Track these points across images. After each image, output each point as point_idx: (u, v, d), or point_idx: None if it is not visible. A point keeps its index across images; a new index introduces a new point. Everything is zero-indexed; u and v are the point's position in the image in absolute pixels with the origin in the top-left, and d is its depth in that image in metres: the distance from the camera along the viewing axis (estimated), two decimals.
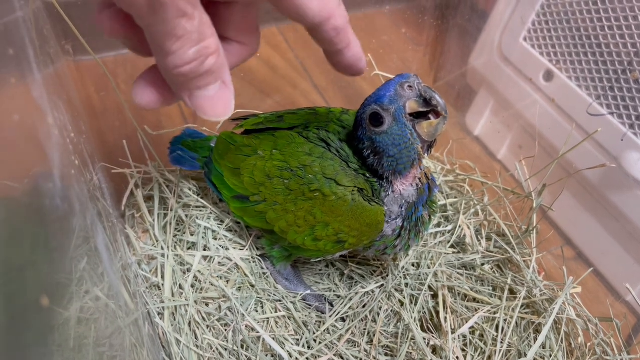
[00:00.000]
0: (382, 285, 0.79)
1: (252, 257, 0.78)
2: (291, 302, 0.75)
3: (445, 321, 0.71)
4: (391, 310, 0.76)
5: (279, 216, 0.66)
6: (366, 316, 0.75)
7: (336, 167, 0.63)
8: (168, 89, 0.43)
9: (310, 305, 0.77)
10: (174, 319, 0.70)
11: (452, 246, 0.86)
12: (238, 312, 0.70)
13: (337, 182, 0.62)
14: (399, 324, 0.74)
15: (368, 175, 0.64)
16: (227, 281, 0.75)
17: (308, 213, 0.64)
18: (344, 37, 0.48)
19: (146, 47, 0.40)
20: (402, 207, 0.64)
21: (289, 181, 0.64)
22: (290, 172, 0.64)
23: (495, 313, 0.73)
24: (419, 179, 0.63)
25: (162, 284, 0.73)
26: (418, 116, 0.58)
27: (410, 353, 0.70)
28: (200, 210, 0.80)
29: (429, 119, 0.58)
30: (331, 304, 0.77)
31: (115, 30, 0.41)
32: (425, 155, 0.61)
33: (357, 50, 0.50)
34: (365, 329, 0.74)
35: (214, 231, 0.78)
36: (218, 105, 0.42)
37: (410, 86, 0.57)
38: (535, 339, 0.71)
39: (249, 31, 0.48)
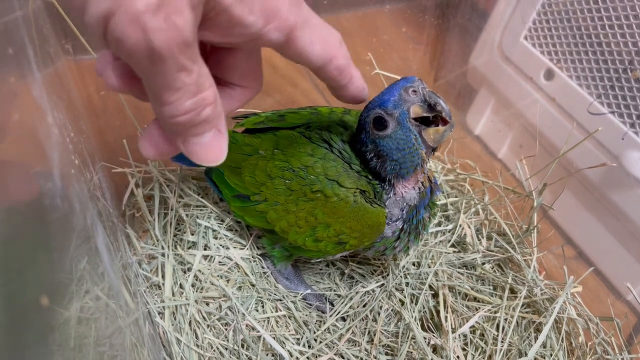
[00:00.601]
0: (383, 284, 0.79)
1: (252, 257, 0.77)
2: (292, 301, 0.75)
3: (446, 320, 0.71)
4: (392, 310, 0.76)
5: (280, 216, 0.66)
6: (367, 315, 0.75)
7: (338, 169, 0.63)
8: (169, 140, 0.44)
9: (310, 304, 0.76)
10: (175, 319, 0.70)
11: (452, 245, 0.86)
12: (238, 312, 0.70)
13: (340, 184, 0.62)
14: (399, 323, 0.74)
15: (370, 177, 0.64)
16: (228, 280, 0.75)
17: (309, 214, 0.64)
18: (346, 74, 0.50)
19: (147, 95, 0.40)
20: (403, 210, 0.64)
21: (291, 181, 0.64)
22: (292, 172, 0.64)
23: (495, 312, 0.73)
24: (422, 182, 0.63)
25: (163, 284, 0.72)
26: (426, 123, 0.58)
27: (411, 352, 0.70)
28: (201, 210, 0.80)
29: (437, 125, 0.58)
30: (332, 303, 0.77)
31: (118, 86, 0.42)
32: (429, 158, 0.61)
33: (359, 82, 0.52)
34: (365, 328, 0.73)
35: (214, 230, 0.78)
36: (211, 152, 0.43)
37: (414, 91, 0.57)
38: (536, 338, 0.71)
39: (252, 75, 0.49)
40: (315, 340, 0.72)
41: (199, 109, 0.39)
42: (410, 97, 0.57)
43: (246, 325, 0.69)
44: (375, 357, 0.70)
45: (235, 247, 0.78)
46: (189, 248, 0.77)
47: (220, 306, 0.72)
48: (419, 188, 0.63)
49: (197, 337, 0.69)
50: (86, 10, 0.32)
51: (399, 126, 0.58)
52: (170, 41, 0.33)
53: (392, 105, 0.57)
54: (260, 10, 0.39)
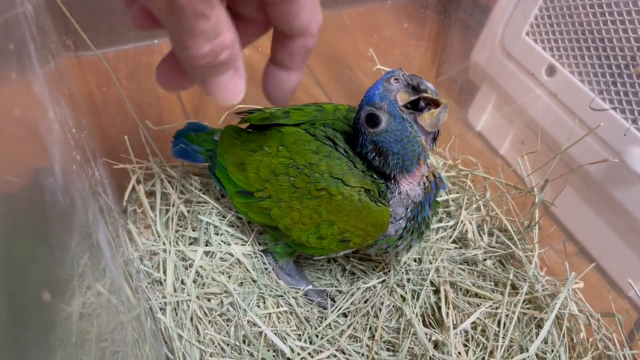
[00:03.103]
0: (384, 280, 0.79)
1: (254, 253, 0.78)
2: (293, 297, 0.75)
3: (447, 316, 0.71)
4: (393, 306, 0.76)
5: (284, 213, 0.65)
6: (368, 311, 0.75)
7: (343, 167, 0.63)
8: (185, 73, 0.46)
9: (312, 300, 0.77)
10: (176, 314, 0.70)
11: (454, 241, 0.86)
12: (240, 308, 0.70)
13: (344, 182, 0.62)
14: (400, 319, 0.74)
15: (375, 176, 0.64)
16: (229, 276, 0.75)
17: (313, 211, 0.64)
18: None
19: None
20: (407, 208, 0.64)
21: (295, 179, 0.64)
22: (296, 169, 0.64)
23: (497, 308, 0.73)
24: (426, 177, 0.63)
25: (164, 280, 0.73)
26: (420, 109, 0.58)
27: (412, 348, 0.70)
28: (202, 206, 0.80)
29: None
30: (333, 300, 0.77)
31: (142, 24, 0.44)
32: (431, 149, 0.61)
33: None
34: (367, 324, 0.74)
35: (215, 226, 0.78)
36: (229, 90, 0.44)
37: (396, 79, 0.57)
38: (537, 334, 0.71)
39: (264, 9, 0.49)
40: (317, 336, 0.72)
41: (217, 53, 0.40)
42: (393, 85, 0.57)
43: (247, 321, 0.69)
44: (376, 353, 0.70)
45: (236, 243, 0.78)
46: (190, 244, 0.77)
47: (221, 302, 0.72)
48: (424, 183, 0.63)
49: (198, 332, 0.69)
50: None
51: (391, 118, 0.57)
52: None
53: (379, 98, 0.57)
54: None
